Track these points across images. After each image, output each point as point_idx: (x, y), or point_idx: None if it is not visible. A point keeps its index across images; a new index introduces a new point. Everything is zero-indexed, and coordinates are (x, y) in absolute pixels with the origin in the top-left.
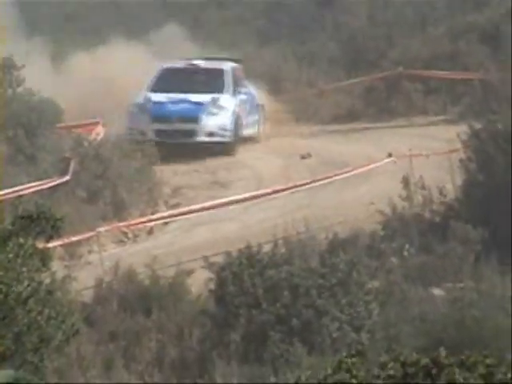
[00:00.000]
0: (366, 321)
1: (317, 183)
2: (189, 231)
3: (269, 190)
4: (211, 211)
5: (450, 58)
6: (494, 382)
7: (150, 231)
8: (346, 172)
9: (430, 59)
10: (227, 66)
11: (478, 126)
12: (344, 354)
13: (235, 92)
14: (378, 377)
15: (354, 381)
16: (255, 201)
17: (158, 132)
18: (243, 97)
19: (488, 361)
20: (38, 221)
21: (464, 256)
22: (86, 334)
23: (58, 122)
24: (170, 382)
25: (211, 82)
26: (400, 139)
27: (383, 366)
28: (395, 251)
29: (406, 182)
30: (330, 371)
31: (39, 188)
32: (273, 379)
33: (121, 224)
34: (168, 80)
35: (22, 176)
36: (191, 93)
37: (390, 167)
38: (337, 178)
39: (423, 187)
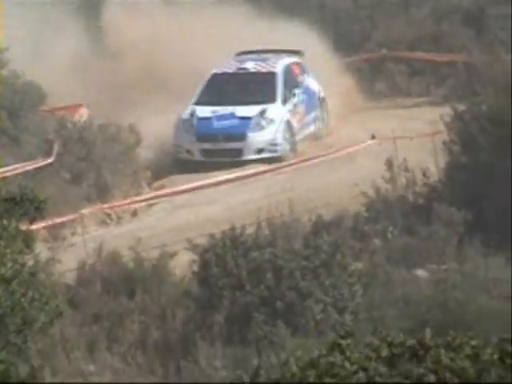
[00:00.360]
0: (350, 302)
1: (301, 165)
2: (173, 213)
3: (253, 172)
4: (195, 193)
5: (434, 39)
6: (480, 363)
7: (134, 213)
8: (329, 154)
9: (413, 41)
10: (281, 65)
11: (461, 107)
12: (328, 335)
13: (289, 96)
14: (370, 358)
15: (346, 362)
16: (239, 182)
17: (204, 151)
18: (298, 98)
19: (474, 342)
20: (22, 203)
21: (447, 238)
22: (70, 315)
23: (41, 104)
24: (153, 364)
25: (261, 90)
26: (384, 121)
27: (372, 348)
28: (379, 233)
29: (389, 164)
30: (324, 352)
31: (23, 170)
32: (256, 361)
33: (104, 206)
34: (215, 89)
35: (6, 158)
36: (239, 105)
37: (374, 149)
38: (321, 159)
39: (407, 169)
